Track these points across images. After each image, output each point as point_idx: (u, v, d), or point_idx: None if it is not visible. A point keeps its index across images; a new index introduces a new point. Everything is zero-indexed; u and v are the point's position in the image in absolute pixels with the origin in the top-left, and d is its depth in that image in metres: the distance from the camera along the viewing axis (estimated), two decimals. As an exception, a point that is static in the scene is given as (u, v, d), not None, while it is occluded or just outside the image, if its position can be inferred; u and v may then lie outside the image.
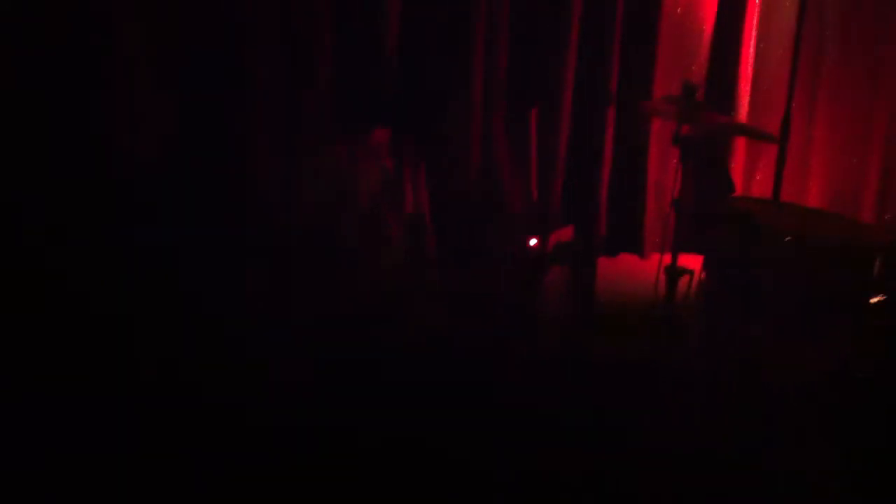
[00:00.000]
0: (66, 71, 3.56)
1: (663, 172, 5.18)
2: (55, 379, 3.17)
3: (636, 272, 4.95)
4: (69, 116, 3.59)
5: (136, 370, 3.33)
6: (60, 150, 3.58)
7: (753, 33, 5.11)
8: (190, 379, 3.33)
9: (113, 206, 3.64)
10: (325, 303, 3.88)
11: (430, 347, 3.75)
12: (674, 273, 3.85)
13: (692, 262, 4.00)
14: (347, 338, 3.67)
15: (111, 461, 2.89)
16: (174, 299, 3.62)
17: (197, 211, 3.80)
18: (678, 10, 5.07)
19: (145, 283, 3.59)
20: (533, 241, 4.22)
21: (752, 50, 5.13)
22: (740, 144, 5.23)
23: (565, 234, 4.57)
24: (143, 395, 3.20)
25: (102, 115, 3.67)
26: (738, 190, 5.00)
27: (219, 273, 3.77)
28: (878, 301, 3.57)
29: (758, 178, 5.31)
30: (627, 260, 5.20)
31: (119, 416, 3.06)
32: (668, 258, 3.91)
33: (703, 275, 3.94)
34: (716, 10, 5.09)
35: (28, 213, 3.47)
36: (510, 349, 3.82)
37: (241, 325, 3.66)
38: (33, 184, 3.50)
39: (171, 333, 3.50)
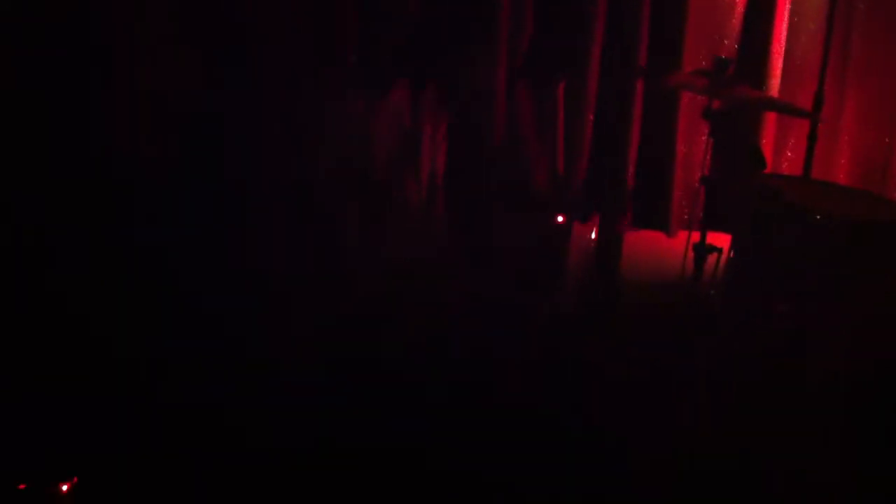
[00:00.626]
0: (66, 70, 3.56)
1: (692, 148, 5.12)
2: (54, 379, 3.19)
3: (663, 249, 4.92)
4: (69, 116, 3.59)
5: (136, 370, 3.33)
6: (60, 149, 3.58)
7: (786, 7, 5.02)
8: (190, 379, 3.34)
9: (113, 205, 3.64)
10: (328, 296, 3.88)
11: (432, 346, 3.72)
12: (702, 251, 3.80)
13: (721, 240, 3.95)
14: (351, 335, 3.66)
15: (111, 461, 2.90)
16: (174, 298, 3.63)
17: (198, 209, 3.81)
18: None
19: (145, 282, 3.60)
20: (560, 219, 4.18)
21: (784, 24, 5.04)
22: (770, 120, 5.15)
23: (591, 210, 4.53)
24: (143, 394, 3.21)
25: (102, 113, 3.68)
26: (769, 167, 4.94)
27: (218, 269, 3.77)
28: None
29: (788, 154, 5.24)
30: (654, 237, 5.15)
31: (119, 416, 3.07)
32: (696, 236, 3.86)
33: (731, 253, 3.89)
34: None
35: (28, 213, 3.48)
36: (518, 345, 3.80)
37: (243, 324, 3.66)
38: (32, 183, 3.50)
39: (171, 332, 3.51)
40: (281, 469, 2.97)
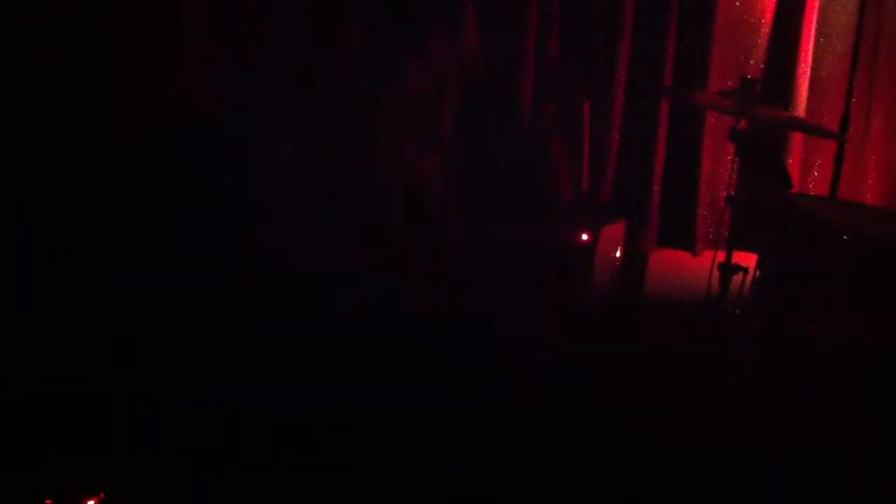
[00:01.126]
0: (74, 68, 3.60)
1: (717, 168, 5.12)
2: (56, 378, 3.20)
3: (688, 269, 4.91)
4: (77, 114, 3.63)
5: (139, 368, 3.35)
6: (70, 148, 3.62)
7: (813, 27, 5.02)
8: (190, 378, 3.35)
9: (121, 202, 3.68)
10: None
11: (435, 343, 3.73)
12: (728, 270, 3.80)
13: (746, 260, 3.94)
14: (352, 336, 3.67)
15: (111, 461, 2.90)
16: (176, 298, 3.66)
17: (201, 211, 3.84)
18: (736, 3, 4.99)
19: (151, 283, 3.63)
20: (584, 237, 4.18)
21: (811, 44, 5.04)
22: (797, 140, 5.14)
23: (617, 228, 4.53)
24: (143, 394, 3.22)
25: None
26: (795, 187, 4.93)
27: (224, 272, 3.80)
28: None
29: (815, 174, 5.22)
30: (680, 256, 5.14)
31: (119, 416, 3.08)
32: (721, 255, 3.85)
33: (757, 273, 3.88)
34: (774, 3, 5.01)
35: (29, 212, 3.51)
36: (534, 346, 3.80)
37: (246, 322, 3.68)
38: (33, 183, 3.54)
39: (173, 331, 3.53)
40: (281, 469, 2.98)
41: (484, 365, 3.61)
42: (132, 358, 3.39)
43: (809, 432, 3.17)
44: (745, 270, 3.84)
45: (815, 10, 5.00)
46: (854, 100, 4.21)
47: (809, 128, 4.69)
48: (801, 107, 5.06)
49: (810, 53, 5.05)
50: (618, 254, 4.51)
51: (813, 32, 5.02)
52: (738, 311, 3.77)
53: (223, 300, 3.72)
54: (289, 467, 2.98)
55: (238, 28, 4.05)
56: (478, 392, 3.44)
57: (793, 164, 5.11)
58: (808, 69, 5.05)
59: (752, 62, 5.07)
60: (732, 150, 3.88)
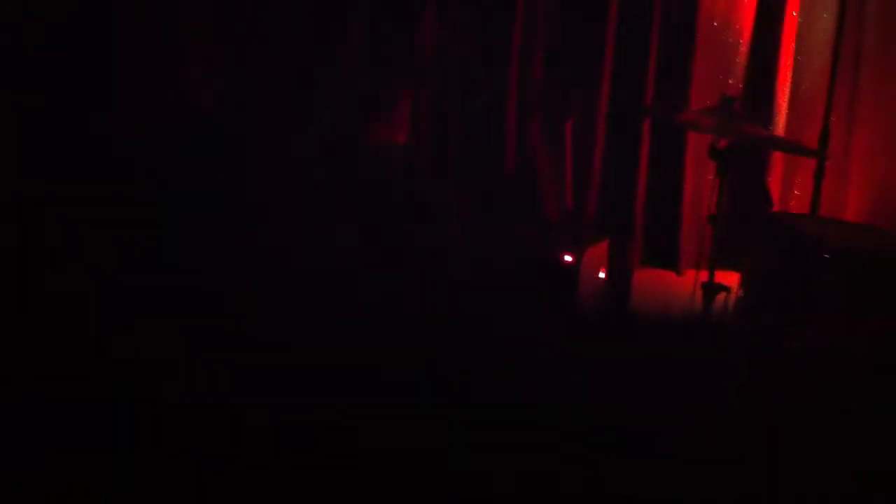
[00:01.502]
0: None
1: (699, 186, 5.13)
2: (56, 378, 3.20)
3: (672, 288, 4.91)
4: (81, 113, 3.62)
5: (139, 368, 3.34)
6: (70, 148, 3.61)
7: (791, 44, 5.05)
8: (190, 378, 3.34)
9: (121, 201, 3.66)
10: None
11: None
12: (710, 289, 3.81)
13: (729, 278, 3.95)
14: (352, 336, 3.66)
15: (111, 461, 2.90)
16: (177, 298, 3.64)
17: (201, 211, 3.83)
18: (715, 23, 5.03)
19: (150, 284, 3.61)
20: (568, 258, 4.19)
21: (790, 61, 5.07)
22: (778, 157, 5.16)
23: (600, 247, 4.54)
24: (143, 394, 3.21)
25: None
26: (776, 204, 4.95)
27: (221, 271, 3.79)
28: None
29: (796, 192, 5.24)
30: (663, 276, 5.15)
31: (119, 415, 3.08)
32: (704, 274, 3.86)
33: (739, 291, 3.89)
34: (753, 22, 5.04)
35: (30, 211, 3.50)
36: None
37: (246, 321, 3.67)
38: (32, 182, 3.52)
39: (173, 331, 3.52)
40: (281, 469, 2.97)
41: (484, 365, 3.61)
42: (132, 358, 3.37)
43: (808, 433, 3.18)
44: (728, 290, 3.85)
45: (794, 28, 5.04)
46: (834, 117, 4.23)
47: (788, 146, 4.71)
48: (781, 123, 5.08)
49: (789, 70, 5.08)
50: (601, 274, 4.52)
51: (791, 49, 5.05)
52: (722, 328, 3.79)
53: (223, 300, 3.71)
54: (289, 467, 2.97)
55: (238, 28, 4.06)
56: (478, 392, 3.44)
57: (773, 181, 5.13)
58: (788, 87, 5.08)
59: (731, 80, 5.09)
60: (713, 168, 3.90)
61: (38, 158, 3.57)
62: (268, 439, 3.06)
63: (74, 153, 3.64)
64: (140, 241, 3.69)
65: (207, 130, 3.97)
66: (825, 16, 4.98)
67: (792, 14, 5.00)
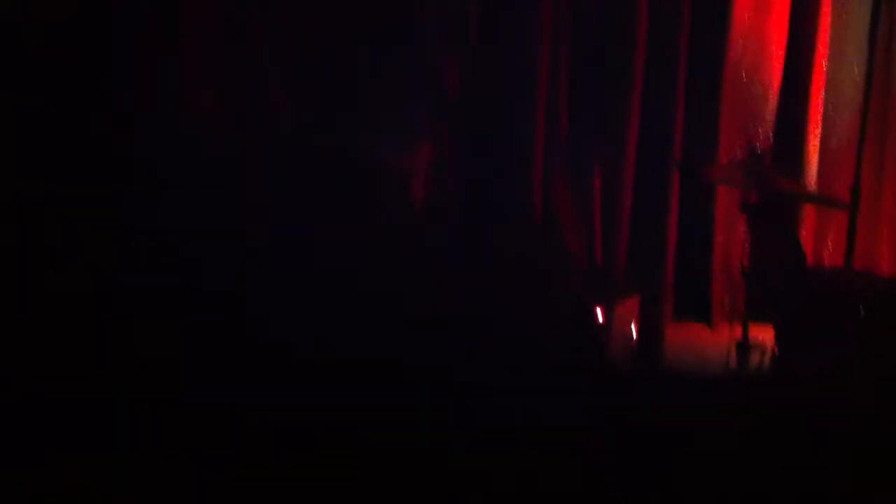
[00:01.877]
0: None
1: (731, 239, 5.09)
2: (56, 378, 3.19)
3: (705, 343, 4.85)
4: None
5: (139, 368, 3.33)
6: (70, 148, 3.62)
7: (821, 95, 5.03)
8: (190, 378, 3.33)
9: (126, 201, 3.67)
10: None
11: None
12: (745, 347, 3.76)
13: (763, 332, 3.91)
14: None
15: (111, 461, 2.88)
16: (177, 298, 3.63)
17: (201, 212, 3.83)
18: (743, 77, 5.02)
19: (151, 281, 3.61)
20: (599, 314, 4.16)
21: (819, 113, 5.05)
22: (809, 210, 5.13)
23: (631, 303, 4.50)
24: (143, 394, 3.20)
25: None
26: (809, 258, 4.90)
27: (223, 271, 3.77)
28: None
29: (829, 245, 5.19)
30: (696, 330, 5.09)
31: (119, 415, 3.07)
32: (737, 328, 3.82)
33: (775, 347, 3.85)
34: (781, 76, 5.03)
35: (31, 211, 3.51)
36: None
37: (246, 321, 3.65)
38: (32, 182, 3.54)
39: (174, 331, 3.49)
40: (281, 469, 2.95)
41: (484, 365, 3.57)
42: (132, 358, 3.36)
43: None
44: (763, 350, 3.80)
45: (823, 81, 5.03)
46: (864, 170, 4.19)
47: (819, 199, 4.68)
48: (811, 176, 5.05)
49: (819, 121, 5.06)
50: (633, 328, 4.48)
51: (821, 101, 5.03)
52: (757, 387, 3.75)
53: (223, 300, 3.69)
54: (289, 467, 2.96)
55: (238, 28, 4.08)
56: (478, 393, 3.40)
57: (806, 234, 5.09)
58: (818, 140, 5.05)
59: (760, 133, 5.07)
60: (745, 222, 3.88)
61: (38, 158, 3.58)
62: (268, 439, 3.04)
63: (74, 153, 3.65)
64: (140, 241, 3.68)
65: (207, 131, 3.98)
66: (854, 69, 4.97)
67: (821, 66, 5.00)
